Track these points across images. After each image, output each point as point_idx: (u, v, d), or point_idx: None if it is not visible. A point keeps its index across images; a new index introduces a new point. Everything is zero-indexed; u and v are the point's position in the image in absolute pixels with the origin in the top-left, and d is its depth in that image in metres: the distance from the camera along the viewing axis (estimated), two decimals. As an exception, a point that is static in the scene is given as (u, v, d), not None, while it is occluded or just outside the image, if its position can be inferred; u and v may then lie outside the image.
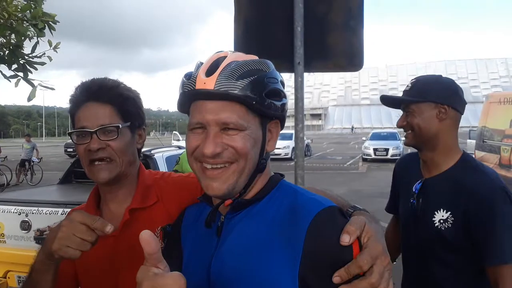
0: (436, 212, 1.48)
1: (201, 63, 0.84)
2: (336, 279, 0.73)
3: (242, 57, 0.84)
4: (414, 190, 1.59)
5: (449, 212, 1.45)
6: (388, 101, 1.71)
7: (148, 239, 0.67)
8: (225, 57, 0.82)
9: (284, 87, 0.87)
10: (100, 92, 1.08)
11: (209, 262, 0.85)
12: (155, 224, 1.09)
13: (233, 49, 1.94)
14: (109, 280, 1.08)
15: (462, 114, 1.56)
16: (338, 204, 0.85)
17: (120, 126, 1.08)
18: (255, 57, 0.86)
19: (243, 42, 2.32)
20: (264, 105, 0.81)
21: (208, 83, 0.78)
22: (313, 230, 0.76)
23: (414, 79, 1.64)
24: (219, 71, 0.79)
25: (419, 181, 1.58)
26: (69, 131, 1.10)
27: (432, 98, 1.51)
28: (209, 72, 0.80)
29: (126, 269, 1.06)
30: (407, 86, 1.62)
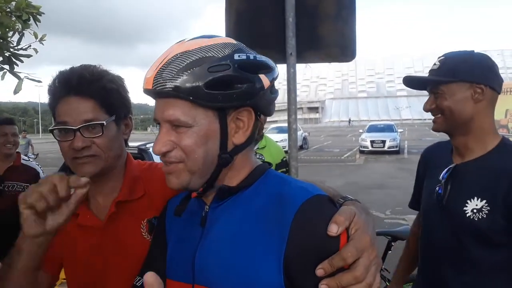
0: (468, 201, 1.30)
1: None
2: (319, 271, 0.70)
3: (195, 44, 0.77)
4: (441, 178, 1.40)
5: (484, 201, 1.28)
6: (412, 82, 1.49)
7: (153, 284, 0.59)
8: (170, 51, 0.78)
9: (258, 68, 0.79)
10: (80, 86, 1.01)
11: (194, 254, 0.82)
12: (141, 216, 1.08)
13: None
14: (95, 272, 1.07)
15: (499, 94, 1.37)
16: (329, 194, 0.81)
17: (105, 123, 1.02)
18: (216, 41, 0.78)
19: (234, 34, 2.30)
20: (207, 98, 0.75)
21: (148, 82, 0.77)
22: (299, 218, 0.73)
23: (442, 56, 1.42)
24: (158, 68, 0.76)
25: (448, 168, 1.39)
26: (50, 127, 1.03)
27: (465, 77, 1.32)
28: (151, 71, 0.77)
29: (113, 261, 1.05)
30: (434, 64, 1.41)
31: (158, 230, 0.98)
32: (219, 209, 0.83)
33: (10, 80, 3.46)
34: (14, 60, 3.21)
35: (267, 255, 0.74)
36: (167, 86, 0.74)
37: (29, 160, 3.19)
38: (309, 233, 0.72)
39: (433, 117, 1.42)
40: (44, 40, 3.15)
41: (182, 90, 0.74)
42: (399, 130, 21.35)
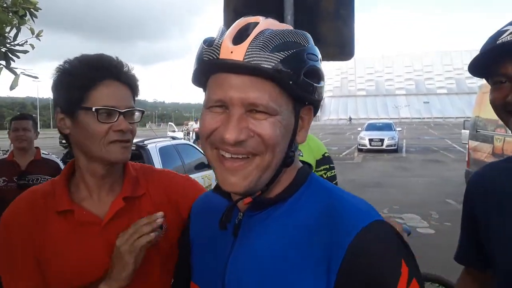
0: None
1: (225, 29, 0.69)
2: None
3: (277, 25, 0.69)
4: None
5: None
6: (482, 66, 0.97)
7: None
8: (256, 23, 0.67)
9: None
10: (119, 72, 1.03)
11: (224, 265, 0.74)
12: (142, 213, 1.06)
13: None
14: (98, 270, 1.02)
15: None
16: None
17: (144, 111, 1.08)
18: (290, 27, 0.71)
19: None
20: (302, 86, 0.66)
21: (236, 53, 0.63)
22: (357, 248, 0.63)
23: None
24: (250, 39, 0.64)
25: None
26: (96, 107, 0.99)
27: None
28: (237, 40, 0.65)
29: None
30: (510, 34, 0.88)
31: (184, 234, 0.95)
32: (255, 219, 0.73)
33: (7, 76, 3.45)
34: (10, 55, 3.20)
35: (311, 280, 0.65)
36: (265, 63, 0.63)
37: (49, 154, 3.24)
38: (370, 267, 0.63)
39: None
40: (41, 36, 3.14)
41: (283, 72, 0.64)
42: (398, 129, 21.36)
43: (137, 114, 1.07)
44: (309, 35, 0.70)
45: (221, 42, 0.65)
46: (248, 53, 0.63)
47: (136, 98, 1.10)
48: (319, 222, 0.67)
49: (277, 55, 0.63)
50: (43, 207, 1.04)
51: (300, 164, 0.78)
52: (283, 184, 0.73)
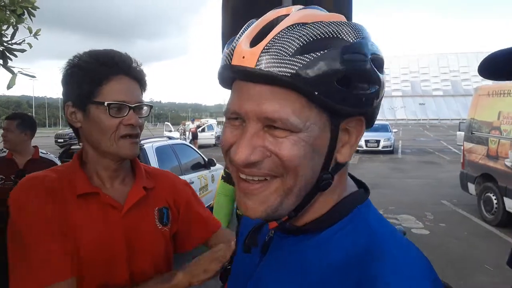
0: None
1: (252, 24, 0.58)
2: None
3: (315, 16, 0.55)
4: None
5: None
6: (498, 67, 0.90)
7: None
8: (286, 15, 0.55)
9: (382, 66, 0.58)
10: (129, 67, 1.07)
11: (246, 281, 0.67)
12: (153, 205, 1.14)
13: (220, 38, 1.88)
14: (112, 250, 1.04)
15: None
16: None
17: (152, 106, 1.12)
18: (336, 16, 0.56)
19: (231, 30, 2.29)
20: (336, 97, 0.53)
21: (248, 58, 0.52)
22: None
23: None
24: (268, 39, 0.52)
25: None
26: (107, 102, 1.01)
27: None
28: (255, 40, 0.54)
29: (130, 244, 1.06)
30: None
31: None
32: (285, 242, 0.64)
33: (3, 74, 3.44)
34: (8, 54, 3.18)
35: None
36: (284, 69, 0.51)
37: (47, 153, 3.23)
38: None
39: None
40: (39, 34, 3.13)
41: (306, 80, 0.51)
42: (394, 130, 21.42)
43: (145, 109, 1.10)
44: (361, 28, 0.55)
45: (237, 45, 0.55)
46: (261, 58, 0.52)
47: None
48: (347, 272, 0.54)
49: (300, 59, 0.51)
50: (59, 190, 1.02)
51: (351, 190, 0.64)
52: (317, 211, 0.61)
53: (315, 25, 0.53)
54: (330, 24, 0.53)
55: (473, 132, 6.97)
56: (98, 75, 1.03)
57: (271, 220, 0.61)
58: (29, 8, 3.10)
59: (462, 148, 7.53)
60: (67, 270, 0.96)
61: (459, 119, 19.73)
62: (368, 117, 0.60)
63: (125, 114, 1.04)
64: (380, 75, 0.56)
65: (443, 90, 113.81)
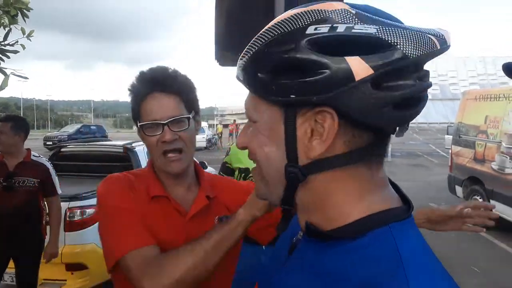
0: None
1: None
2: None
3: (276, 19, 0.56)
4: None
5: None
6: None
7: None
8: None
9: (334, 46, 0.50)
10: (166, 82, 1.08)
11: (270, 279, 0.66)
12: (214, 214, 1.15)
13: (214, 43, 1.89)
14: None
15: None
16: None
17: (191, 116, 1.10)
18: (306, 9, 0.53)
19: (224, 31, 2.30)
20: (264, 89, 0.55)
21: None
22: None
23: None
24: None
25: None
26: (141, 123, 1.09)
27: None
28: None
29: None
30: None
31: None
32: (310, 246, 0.60)
33: (-7, 76, 3.39)
34: (0, 56, 3.15)
35: None
36: (236, 73, 0.61)
37: (39, 156, 3.18)
38: None
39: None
40: (32, 36, 3.10)
41: (244, 79, 0.58)
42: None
43: (185, 121, 1.09)
44: (298, 17, 0.53)
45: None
46: (239, 63, 0.59)
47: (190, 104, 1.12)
48: None
49: (241, 62, 0.58)
50: (137, 190, 1.10)
51: (387, 203, 0.57)
52: (340, 219, 0.57)
53: (270, 27, 0.55)
54: (283, 21, 0.54)
55: (461, 136, 7.09)
56: (138, 95, 1.09)
57: (278, 206, 0.63)
58: (23, 9, 3.07)
59: (450, 151, 7.65)
60: (151, 238, 1.01)
61: (447, 123, 20.04)
62: (346, 110, 0.51)
63: (160, 132, 1.06)
64: (332, 58, 0.50)
65: (432, 93, 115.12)
